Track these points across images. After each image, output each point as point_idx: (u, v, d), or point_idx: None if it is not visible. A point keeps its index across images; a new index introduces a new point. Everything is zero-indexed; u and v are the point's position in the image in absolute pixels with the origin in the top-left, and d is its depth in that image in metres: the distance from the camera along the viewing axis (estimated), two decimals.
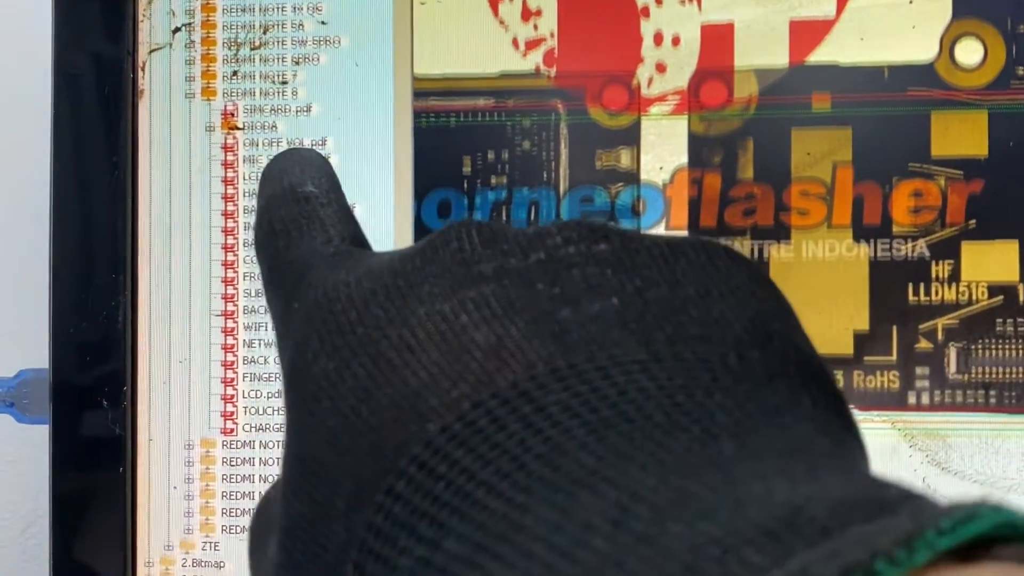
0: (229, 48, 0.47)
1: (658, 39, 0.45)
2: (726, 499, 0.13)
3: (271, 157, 0.49)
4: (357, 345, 0.17)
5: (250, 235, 0.47)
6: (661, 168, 0.45)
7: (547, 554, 0.13)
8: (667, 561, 0.12)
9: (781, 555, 0.12)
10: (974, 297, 0.43)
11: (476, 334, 0.16)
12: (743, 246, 0.44)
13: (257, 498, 0.33)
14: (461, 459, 0.14)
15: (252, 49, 0.47)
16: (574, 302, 0.16)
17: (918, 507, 0.12)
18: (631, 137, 0.45)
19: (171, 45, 0.48)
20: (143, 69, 0.48)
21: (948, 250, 0.43)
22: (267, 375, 0.47)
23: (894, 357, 0.43)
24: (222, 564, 0.47)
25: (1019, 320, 0.43)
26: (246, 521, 0.46)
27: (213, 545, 0.47)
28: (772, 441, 0.14)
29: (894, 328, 0.43)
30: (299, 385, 0.17)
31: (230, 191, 0.47)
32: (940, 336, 0.43)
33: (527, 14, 0.46)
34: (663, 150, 0.45)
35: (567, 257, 0.17)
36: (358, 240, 0.20)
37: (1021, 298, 0.43)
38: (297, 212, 0.20)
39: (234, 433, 0.47)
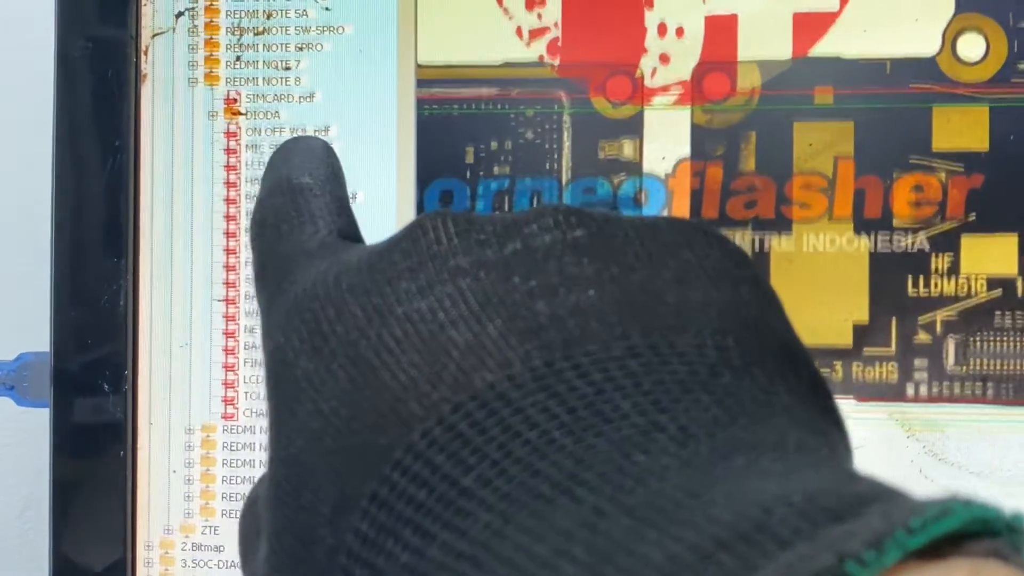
0: (232, 34, 0.47)
1: (662, 30, 0.45)
2: (701, 501, 0.13)
3: (274, 144, 0.49)
4: (337, 346, 0.17)
5: None
6: (664, 159, 0.45)
7: (528, 563, 0.13)
8: (646, 571, 0.12)
9: (754, 560, 0.12)
10: (973, 290, 0.43)
11: (454, 332, 0.16)
12: (744, 238, 0.44)
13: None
14: (443, 465, 0.15)
15: (255, 35, 0.47)
16: (551, 295, 0.16)
17: (889, 505, 0.12)
18: (634, 128, 0.45)
19: (174, 29, 0.48)
20: (146, 53, 0.48)
21: (948, 243, 0.44)
22: None
23: (893, 349, 0.44)
24: (222, 548, 0.47)
25: (1018, 313, 0.43)
26: None
27: (213, 529, 0.47)
28: (748, 437, 0.14)
29: (893, 320, 0.44)
30: (281, 385, 0.17)
31: (232, 177, 0.47)
32: (939, 328, 0.43)
33: (531, 3, 0.46)
34: (666, 141, 0.45)
35: (543, 247, 0.17)
36: (349, 232, 0.20)
37: (1020, 291, 0.43)
38: (289, 204, 0.20)
39: (235, 418, 0.47)
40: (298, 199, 0.20)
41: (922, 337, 0.43)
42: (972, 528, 0.12)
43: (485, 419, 0.15)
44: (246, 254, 0.47)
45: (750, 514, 0.12)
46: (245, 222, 0.47)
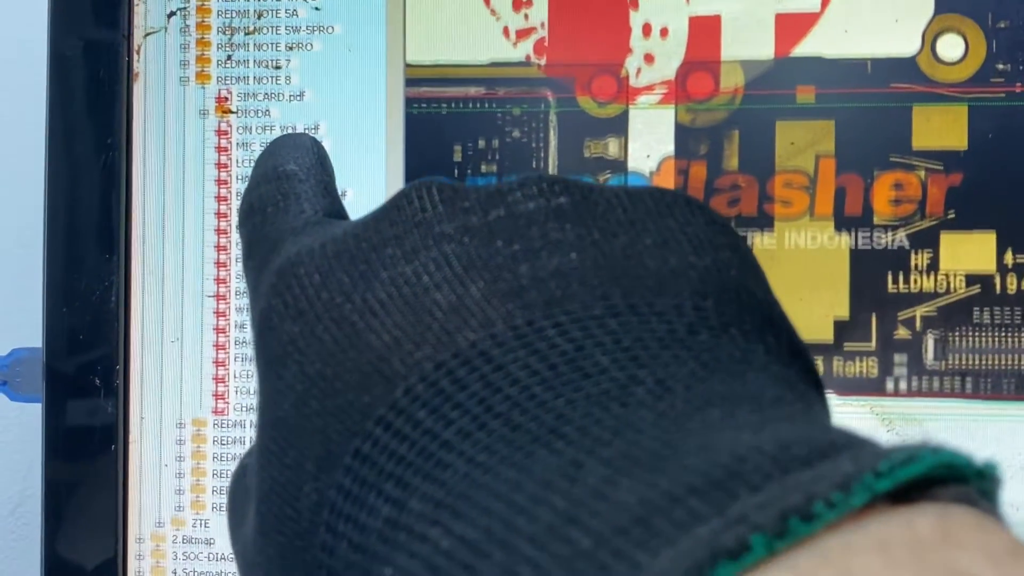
0: (223, 33, 0.48)
1: (646, 30, 0.46)
2: (676, 451, 0.13)
3: (264, 142, 0.49)
4: (322, 309, 0.17)
5: None
6: (648, 157, 0.46)
7: (506, 511, 0.13)
8: (619, 514, 0.12)
9: (724, 503, 0.12)
10: (952, 287, 0.44)
11: (437, 295, 0.16)
12: None
13: None
14: (424, 420, 0.15)
15: (246, 34, 0.48)
16: (533, 258, 0.16)
17: (859, 451, 0.13)
18: (619, 126, 0.46)
19: (166, 29, 0.48)
20: (138, 53, 0.48)
21: (927, 240, 0.44)
22: None
23: (873, 344, 0.44)
24: (212, 541, 0.47)
25: (995, 309, 0.44)
26: None
27: (203, 523, 0.47)
28: (724, 391, 0.15)
29: (873, 316, 0.44)
30: (266, 349, 0.18)
31: (223, 176, 0.48)
32: (918, 324, 0.44)
33: (518, 4, 0.46)
34: (650, 139, 0.46)
35: (526, 213, 0.17)
36: (335, 213, 0.21)
37: (998, 288, 0.44)
38: (275, 189, 0.21)
39: (225, 413, 0.47)
40: (284, 185, 0.21)
41: (902, 333, 0.44)
42: (941, 474, 0.12)
43: (467, 376, 0.15)
44: (237, 251, 0.48)
45: (723, 462, 0.13)
46: (236, 219, 0.48)
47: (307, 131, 0.47)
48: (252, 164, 0.48)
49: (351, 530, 0.15)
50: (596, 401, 0.14)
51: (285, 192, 0.21)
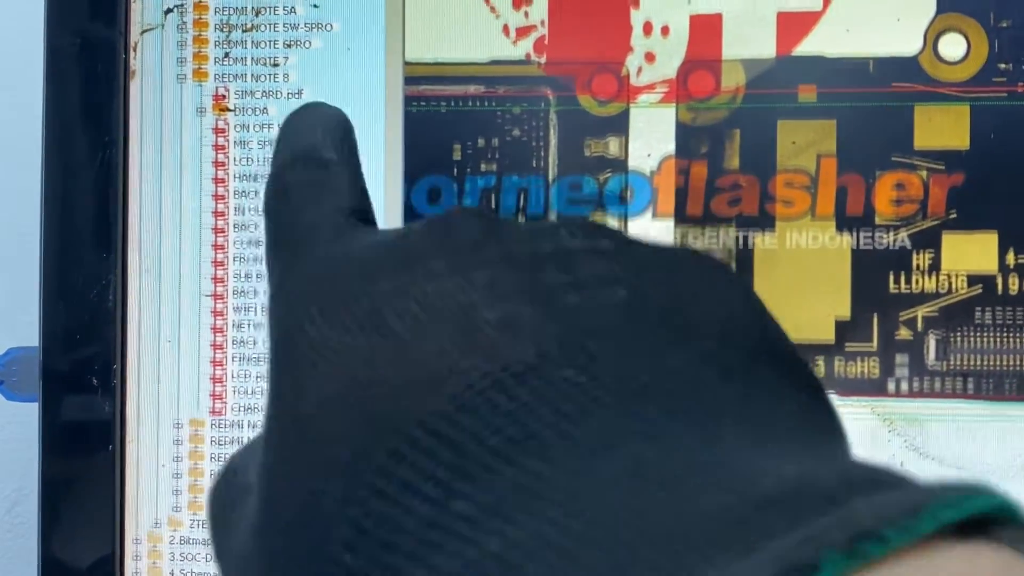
0: (221, 30, 0.48)
1: (647, 29, 0.46)
2: (734, 471, 0.13)
3: (262, 140, 0.49)
4: (362, 315, 0.17)
5: (240, 218, 0.48)
6: (649, 156, 0.46)
7: (562, 517, 0.13)
8: (682, 526, 0.12)
9: (794, 520, 0.12)
10: (954, 287, 0.44)
11: (487, 312, 0.16)
12: (728, 235, 0.45)
13: None
14: (470, 425, 0.15)
15: (244, 32, 0.48)
16: (582, 290, 0.16)
17: (917, 484, 0.13)
18: (620, 125, 0.46)
19: (163, 26, 0.48)
20: (135, 50, 0.48)
21: (929, 240, 0.44)
22: (256, 357, 0.47)
23: (875, 345, 0.44)
24: (209, 542, 0.47)
25: (997, 310, 0.44)
26: None
27: (200, 523, 0.47)
28: (764, 430, 0.15)
29: (875, 316, 0.44)
30: (294, 349, 0.17)
31: (220, 174, 0.48)
32: (920, 325, 0.44)
33: (518, 1, 0.46)
34: (651, 138, 0.46)
35: (573, 249, 0.17)
36: (367, 216, 0.20)
37: (1000, 288, 0.44)
38: (311, 177, 0.20)
39: (222, 413, 0.47)
40: (320, 173, 0.20)
41: (903, 333, 0.44)
42: (996, 514, 0.12)
43: (516, 387, 0.15)
44: (235, 250, 0.47)
45: (786, 484, 0.13)
46: (234, 218, 0.47)
47: None
48: (250, 162, 0.48)
49: (383, 530, 0.15)
50: (649, 421, 0.14)
51: (322, 182, 0.20)
